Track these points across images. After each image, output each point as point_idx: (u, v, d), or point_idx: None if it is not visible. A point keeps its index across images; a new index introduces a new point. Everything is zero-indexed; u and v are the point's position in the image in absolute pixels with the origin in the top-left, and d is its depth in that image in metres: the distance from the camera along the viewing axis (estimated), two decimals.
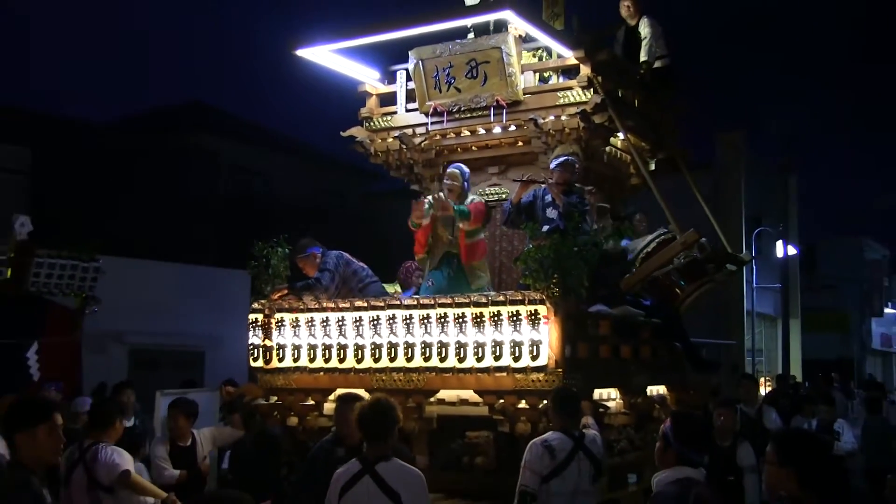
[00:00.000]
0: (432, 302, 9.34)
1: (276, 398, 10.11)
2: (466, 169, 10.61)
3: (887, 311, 51.77)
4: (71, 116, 34.59)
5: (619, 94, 11.21)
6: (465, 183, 10.44)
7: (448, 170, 10.52)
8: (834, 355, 42.90)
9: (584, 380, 9.05)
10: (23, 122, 27.20)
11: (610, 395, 10.19)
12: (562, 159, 10.26)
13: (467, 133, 11.19)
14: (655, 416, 10.46)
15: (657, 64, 11.97)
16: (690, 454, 5.57)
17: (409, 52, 11.00)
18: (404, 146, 11.34)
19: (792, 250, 36.84)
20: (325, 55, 11.23)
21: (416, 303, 9.54)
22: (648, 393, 10.60)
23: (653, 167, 12.07)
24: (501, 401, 8.81)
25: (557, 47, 10.80)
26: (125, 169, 24.82)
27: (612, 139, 11.30)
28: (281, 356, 10.15)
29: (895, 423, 15.20)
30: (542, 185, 10.33)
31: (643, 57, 11.90)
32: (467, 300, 9.15)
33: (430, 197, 10.69)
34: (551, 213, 10.10)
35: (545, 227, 9.85)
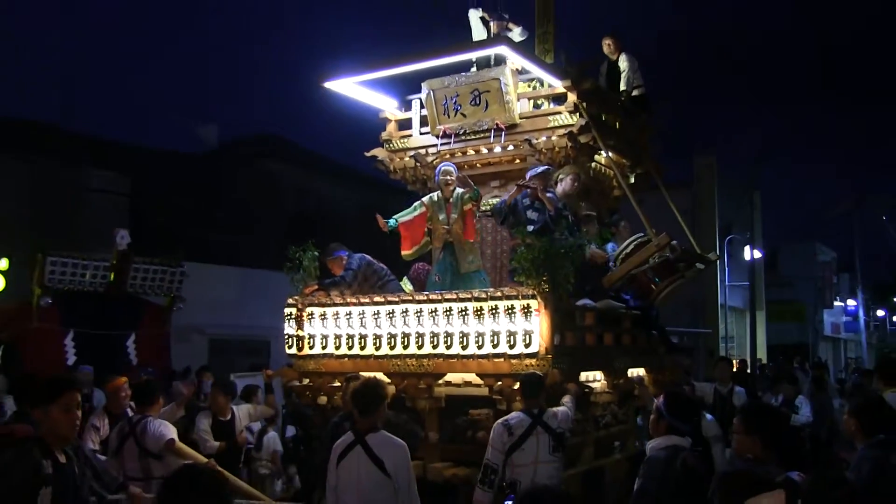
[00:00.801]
0: (440, 297, 8.95)
1: (308, 380, 9.80)
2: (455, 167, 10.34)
3: (836, 303, 51.68)
4: (163, 147, 34.89)
5: (603, 118, 10.76)
6: (458, 176, 10.16)
7: (442, 167, 10.21)
8: (793, 341, 42.87)
9: (570, 364, 8.68)
10: (122, 152, 27.33)
11: (595, 377, 9.75)
12: (540, 169, 9.94)
13: (472, 152, 10.78)
14: (636, 394, 10.05)
15: (635, 92, 11.57)
16: (679, 424, 5.58)
17: (422, 84, 10.59)
18: (418, 164, 10.94)
19: (757, 254, 36.79)
20: (351, 87, 10.80)
21: (425, 298, 9.13)
22: (629, 374, 10.11)
23: (632, 180, 11.69)
24: (499, 383, 8.39)
25: (548, 78, 10.34)
26: (206, 191, 24.70)
27: (596, 156, 10.87)
28: (311, 344, 9.76)
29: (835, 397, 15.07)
30: (525, 189, 9.88)
31: (622, 87, 11.52)
32: (469, 296, 8.75)
33: (429, 196, 10.37)
34: (532, 214, 9.73)
35: (530, 227, 9.45)
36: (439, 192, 10.21)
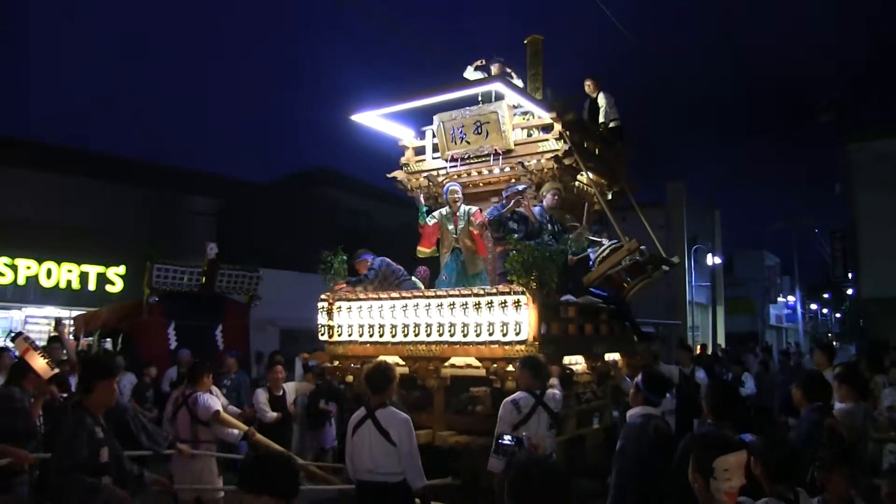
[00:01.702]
0: (445, 293, 8.44)
1: (337, 362, 9.30)
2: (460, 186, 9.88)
3: (780, 299, 51.33)
4: (242, 177, 35.27)
5: (584, 145, 10.11)
6: (462, 194, 9.72)
7: (451, 186, 9.71)
8: (745, 329, 42.33)
9: (555, 350, 8.19)
10: (211, 182, 27.40)
11: (577, 361, 9.14)
12: (518, 188, 9.33)
13: (475, 173, 10.11)
14: (612, 375, 9.50)
15: (611, 124, 10.92)
16: (653, 397, 5.51)
17: (434, 117, 10.02)
18: (431, 183, 10.38)
19: (717, 260, 36.75)
20: (375, 119, 10.24)
21: (434, 294, 8.65)
22: (606, 359, 9.55)
23: (610, 197, 11.02)
24: (495, 365, 7.98)
25: (537, 111, 9.72)
26: (276, 212, 24.51)
27: (579, 176, 10.22)
28: (340, 332, 9.24)
29: (778, 375, 14.81)
30: (501, 203, 9.38)
31: (601, 119, 10.90)
32: (469, 292, 8.23)
33: (439, 211, 9.92)
34: (513, 224, 9.08)
35: (515, 236, 8.81)
36: (448, 207, 9.74)
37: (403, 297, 8.69)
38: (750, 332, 42.52)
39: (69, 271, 22.99)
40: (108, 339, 15.88)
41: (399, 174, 10.67)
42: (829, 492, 3.99)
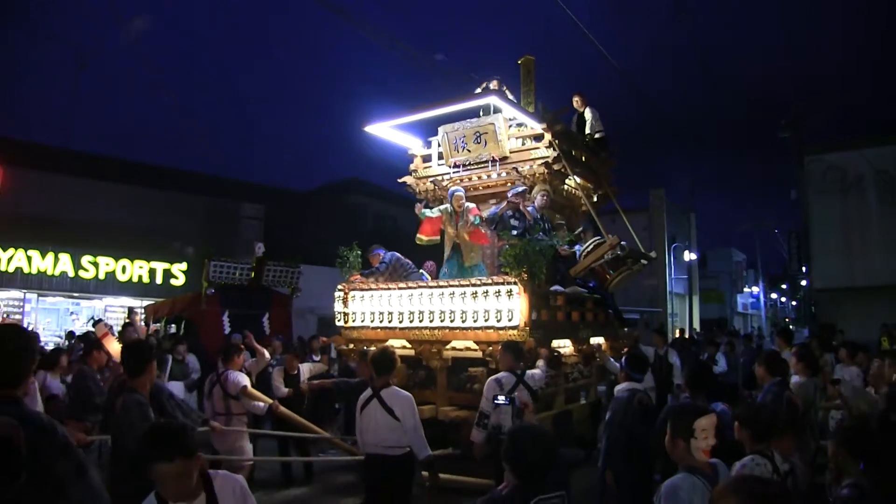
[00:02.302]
0: (447, 284, 7.98)
1: (352, 345, 8.73)
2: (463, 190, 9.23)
3: (745, 290, 50.70)
4: (285, 185, 35.36)
5: (572, 153, 9.57)
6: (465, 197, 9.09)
7: (456, 192, 9.03)
8: (716, 316, 41.42)
9: (544, 334, 7.68)
10: (258, 190, 27.11)
11: (565, 344, 8.61)
12: (520, 189, 8.81)
13: (476, 178, 9.56)
14: (597, 357, 8.82)
15: (597, 136, 10.31)
16: (635, 375, 5.61)
17: (439, 128, 9.48)
18: (436, 187, 9.87)
19: (693, 256, 36.00)
20: (387, 131, 9.69)
21: (436, 284, 8.15)
22: (591, 342, 8.97)
23: (595, 199, 10.44)
24: (490, 348, 7.46)
25: (530, 122, 9.10)
26: (314, 216, 24.09)
27: (567, 181, 9.65)
28: (353, 318, 8.73)
29: (741, 356, 14.09)
30: (510, 204, 8.80)
31: (587, 131, 10.30)
32: (468, 283, 7.79)
33: (445, 207, 9.21)
34: (514, 222, 8.57)
35: (514, 232, 8.36)
36: (449, 205, 9.09)
37: (410, 287, 8.22)
38: (720, 318, 41.58)
39: (140, 267, 23.03)
40: (173, 326, 15.49)
41: (409, 179, 10.11)
42: (779, 450, 3.90)
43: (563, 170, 8.91)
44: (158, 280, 23.29)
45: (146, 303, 19.27)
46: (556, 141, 8.74)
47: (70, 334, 17.05)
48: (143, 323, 15.42)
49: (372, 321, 8.49)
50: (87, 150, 27.93)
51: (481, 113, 9.30)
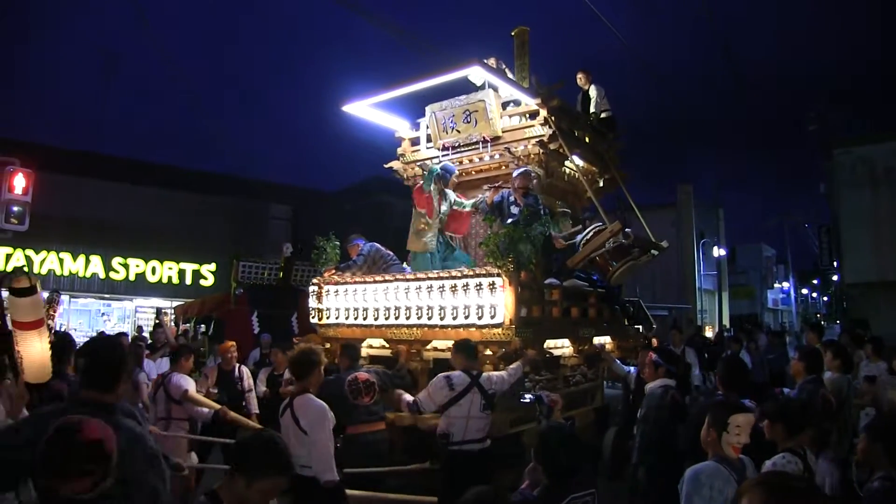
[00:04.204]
0: (425, 276, 6.62)
1: (328, 345, 7.23)
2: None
3: (776, 285, 48.34)
4: (312, 186, 34.77)
5: (575, 134, 8.18)
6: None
7: (455, 169, 7.75)
8: (746, 312, 39.31)
9: (535, 333, 6.20)
10: (286, 190, 26.42)
11: (564, 344, 7.16)
12: (522, 169, 7.34)
13: (467, 161, 8.11)
14: (602, 357, 7.43)
15: (603, 115, 8.85)
16: (671, 368, 5.22)
17: (426, 108, 8.12)
18: (424, 172, 8.15)
19: (722, 252, 33.73)
20: (371, 111, 8.29)
21: (414, 276, 6.76)
22: (595, 342, 7.49)
23: (601, 184, 8.94)
24: None
25: (522, 97, 7.67)
26: (341, 216, 23.04)
27: (568, 164, 8.10)
28: (328, 315, 7.43)
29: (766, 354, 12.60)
30: (507, 189, 7.42)
31: (592, 110, 8.83)
32: (448, 275, 6.38)
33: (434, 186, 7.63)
34: (514, 209, 7.18)
35: (509, 220, 7.01)
36: (441, 182, 7.64)
37: (386, 281, 6.85)
38: (750, 313, 39.55)
39: (170, 268, 22.77)
40: (203, 325, 15.02)
41: (396, 164, 8.72)
42: (810, 447, 3.71)
43: (560, 150, 7.50)
44: (188, 281, 22.88)
45: (176, 303, 18.93)
46: (553, 118, 7.33)
47: (101, 335, 16.53)
48: (172, 323, 15.27)
49: (347, 318, 7.18)
50: (117, 153, 27.33)
51: (477, 88, 7.94)
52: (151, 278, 22.10)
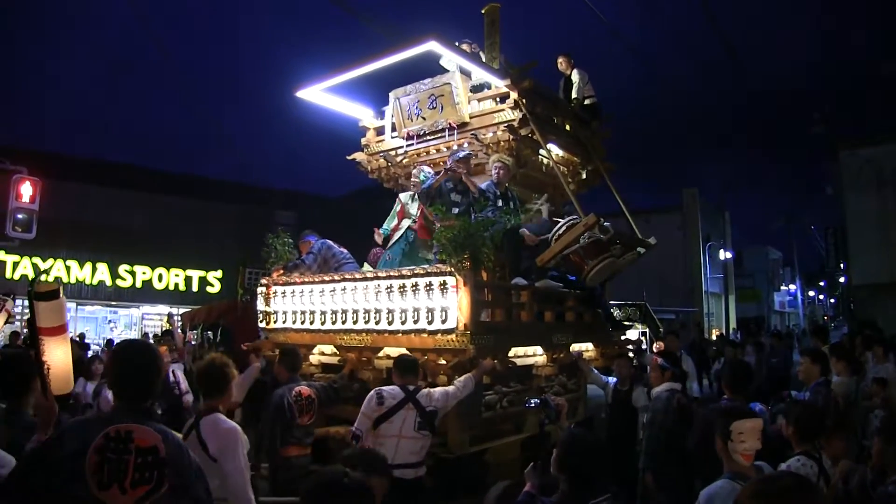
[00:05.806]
0: (374, 275, 5.57)
1: (278, 351, 5.99)
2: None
3: (782, 288, 46.96)
4: (316, 192, 34.25)
5: (554, 120, 7.14)
6: None
7: (427, 169, 6.89)
8: (753, 314, 38.31)
9: (495, 340, 5.15)
10: (290, 197, 25.68)
11: (537, 352, 5.93)
12: (462, 153, 6.39)
13: (434, 151, 7.03)
14: (579, 367, 6.38)
15: (587, 101, 7.71)
16: (676, 371, 5.05)
17: (390, 94, 7.10)
18: (389, 164, 7.38)
19: (728, 255, 33.12)
20: (328, 98, 7.22)
21: (362, 276, 5.68)
22: (572, 349, 6.29)
23: (584, 176, 7.73)
24: (425, 357, 5.08)
25: (490, 78, 6.58)
26: (344, 221, 22.13)
27: (543, 153, 6.89)
28: (276, 319, 6.40)
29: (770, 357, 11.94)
30: (448, 174, 6.34)
31: (574, 95, 7.66)
32: (397, 274, 5.32)
33: (407, 193, 7.24)
34: (455, 196, 6.20)
35: (454, 210, 6.04)
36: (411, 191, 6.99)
37: (334, 281, 5.78)
38: (757, 316, 38.53)
39: (176, 275, 22.19)
40: (209, 332, 14.39)
41: (359, 156, 7.68)
42: (828, 453, 3.43)
43: (532, 136, 6.40)
44: (194, 288, 22.27)
45: (183, 310, 18.01)
46: (524, 100, 6.26)
47: (109, 342, 16.24)
48: (179, 330, 14.41)
49: (295, 322, 6.15)
50: (123, 161, 26.83)
51: (447, 70, 6.91)
52: (158, 285, 21.48)
